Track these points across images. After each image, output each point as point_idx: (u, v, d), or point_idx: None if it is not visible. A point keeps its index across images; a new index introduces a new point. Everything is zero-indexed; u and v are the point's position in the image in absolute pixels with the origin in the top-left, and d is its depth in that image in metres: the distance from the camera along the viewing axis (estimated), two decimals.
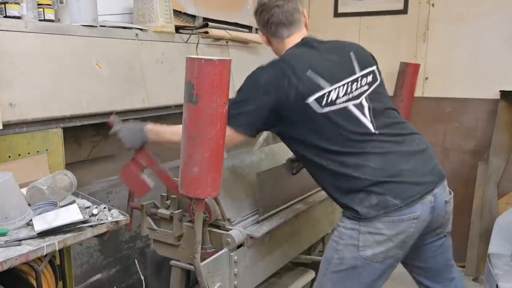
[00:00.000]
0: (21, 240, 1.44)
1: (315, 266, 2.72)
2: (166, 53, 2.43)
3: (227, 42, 2.86)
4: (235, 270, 1.87)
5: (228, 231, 1.90)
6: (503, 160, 3.48)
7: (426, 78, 3.76)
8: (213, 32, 2.68)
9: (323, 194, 2.28)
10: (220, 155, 1.55)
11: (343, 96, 1.73)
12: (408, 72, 3.47)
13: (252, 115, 1.72)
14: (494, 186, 3.48)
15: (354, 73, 1.79)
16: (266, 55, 3.17)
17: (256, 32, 3.21)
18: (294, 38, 1.87)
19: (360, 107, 1.75)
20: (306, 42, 1.85)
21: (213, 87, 1.46)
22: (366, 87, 1.79)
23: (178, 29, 2.56)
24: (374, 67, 1.87)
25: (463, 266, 3.65)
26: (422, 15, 3.72)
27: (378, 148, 1.71)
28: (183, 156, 1.54)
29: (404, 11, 3.78)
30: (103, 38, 2.11)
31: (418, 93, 3.66)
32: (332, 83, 1.73)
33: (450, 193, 1.85)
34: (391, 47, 3.83)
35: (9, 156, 1.77)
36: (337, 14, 4.02)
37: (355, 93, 1.76)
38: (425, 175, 1.74)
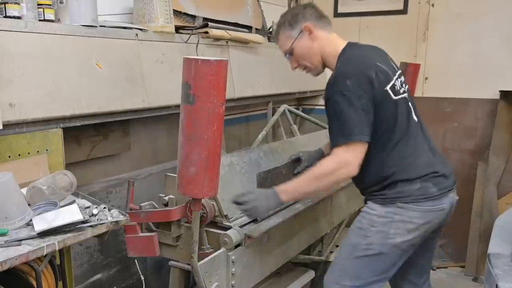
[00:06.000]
0: (21, 240, 1.43)
1: (314, 266, 2.73)
2: (166, 53, 2.43)
3: (227, 42, 2.86)
4: (233, 269, 1.87)
5: (225, 229, 1.91)
6: (503, 160, 3.49)
7: (426, 78, 3.76)
8: (213, 32, 2.68)
9: (321, 194, 2.28)
10: (217, 155, 1.55)
11: (399, 88, 1.89)
12: (408, 72, 3.45)
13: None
14: (494, 186, 3.48)
15: (396, 71, 1.93)
16: (266, 55, 3.18)
17: (256, 32, 3.22)
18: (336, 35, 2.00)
19: (409, 100, 1.93)
20: (354, 44, 1.97)
21: (210, 87, 1.46)
22: (405, 85, 1.95)
23: (178, 29, 2.55)
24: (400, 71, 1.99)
25: (463, 266, 3.65)
26: (422, 15, 3.73)
27: (421, 142, 1.91)
28: (180, 156, 1.55)
29: (404, 11, 3.78)
30: (103, 38, 2.11)
31: (418, 93, 3.66)
32: (393, 74, 1.88)
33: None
34: (391, 47, 3.77)
35: (9, 156, 1.77)
36: (337, 14, 4.02)
37: (402, 90, 1.91)
38: (449, 174, 1.93)
